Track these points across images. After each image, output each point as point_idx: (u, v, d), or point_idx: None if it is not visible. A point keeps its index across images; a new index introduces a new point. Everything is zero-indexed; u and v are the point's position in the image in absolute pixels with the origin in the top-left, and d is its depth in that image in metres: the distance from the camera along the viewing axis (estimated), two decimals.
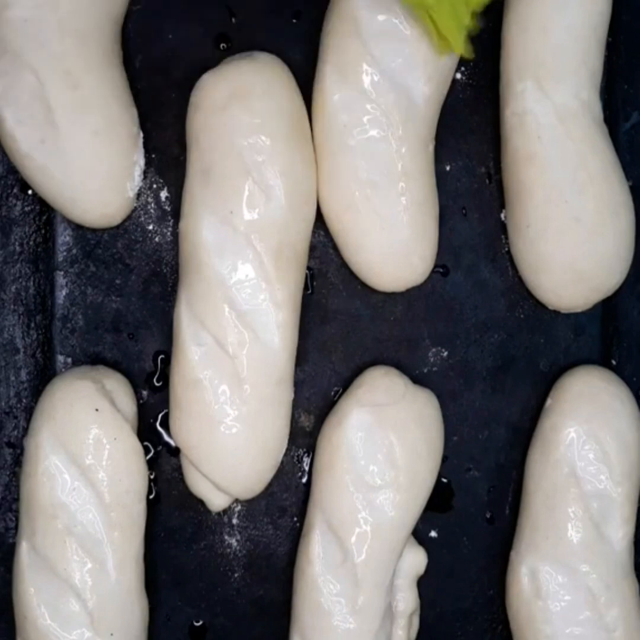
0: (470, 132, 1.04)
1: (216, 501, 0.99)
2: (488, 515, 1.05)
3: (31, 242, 1.02)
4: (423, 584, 1.03)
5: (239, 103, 0.95)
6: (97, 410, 0.95)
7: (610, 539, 1.00)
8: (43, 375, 1.02)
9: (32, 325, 1.02)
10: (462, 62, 1.02)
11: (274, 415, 0.97)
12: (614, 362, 1.06)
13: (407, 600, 1.01)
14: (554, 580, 1.00)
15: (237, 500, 1.02)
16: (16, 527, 0.99)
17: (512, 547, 1.03)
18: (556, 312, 1.05)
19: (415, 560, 1.01)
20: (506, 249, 1.04)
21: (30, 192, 1.01)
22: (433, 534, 1.05)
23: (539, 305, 1.04)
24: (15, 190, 1.02)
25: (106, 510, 0.95)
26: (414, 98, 0.97)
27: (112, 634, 0.95)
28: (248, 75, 0.96)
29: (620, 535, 1.00)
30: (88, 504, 0.94)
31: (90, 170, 0.95)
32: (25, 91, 0.94)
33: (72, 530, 0.94)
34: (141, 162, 0.99)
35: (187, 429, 0.96)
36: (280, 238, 0.95)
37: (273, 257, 0.95)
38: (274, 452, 0.98)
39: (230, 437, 0.95)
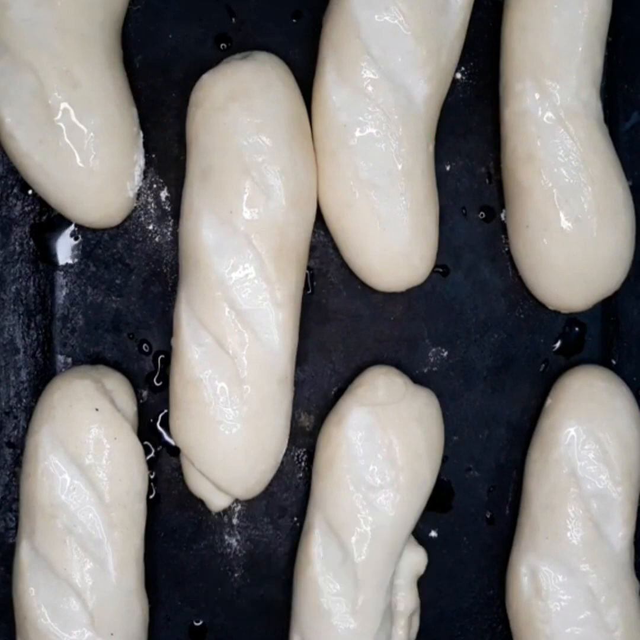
0: (470, 132, 1.04)
1: (216, 501, 0.99)
2: (488, 515, 1.05)
3: (31, 242, 1.02)
4: (423, 583, 1.03)
5: (239, 103, 0.95)
6: (97, 409, 0.95)
7: (610, 538, 1.00)
8: (43, 375, 1.02)
9: (32, 325, 1.02)
10: (462, 61, 1.02)
11: (275, 415, 0.97)
12: (613, 362, 1.06)
13: (407, 600, 1.01)
14: (554, 580, 0.99)
15: (237, 500, 1.02)
16: (16, 527, 0.99)
17: (512, 546, 1.03)
18: (556, 312, 1.04)
19: (416, 560, 1.01)
20: (506, 249, 1.04)
21: (30, 192, 1.01)
22: (433, 533, 1.05)
23: (539, 305, 1.04)
24: (15, 190, 1.01)
25: (106, 510, 0.94)
26: (414, 98, 0.97)
27: (112, 634, 0.95)
28: (248, 75, 0.96)
29: (620, 535, 1.00)
30: (88, 503, 0.94)
31: (90, 170, 0.95)
32: (25, 91, 0.94)
33: (72, 530, 0.94)
34: (141, 162, 0.99)
35: (186, 429, 0.96)
36: (280, 238, 0.95)
37: (273, 257, 0.95)
38: (274, 452, 0.98)
39: (231, 437, 0.95)
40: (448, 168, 1.04)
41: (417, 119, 0.98)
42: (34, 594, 0.94)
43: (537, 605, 1.00)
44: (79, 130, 0.94)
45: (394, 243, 0.98)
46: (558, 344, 1.06)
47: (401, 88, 0.97)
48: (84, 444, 0.94)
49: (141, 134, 0.99)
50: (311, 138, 0.99)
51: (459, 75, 1.04)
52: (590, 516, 0.99)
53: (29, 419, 1.00)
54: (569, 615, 0.99)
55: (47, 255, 1.02)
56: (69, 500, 0.94)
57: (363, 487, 0.97)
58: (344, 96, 0.97)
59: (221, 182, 0.95)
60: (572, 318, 1.05)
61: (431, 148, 1.00)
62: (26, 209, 1.02)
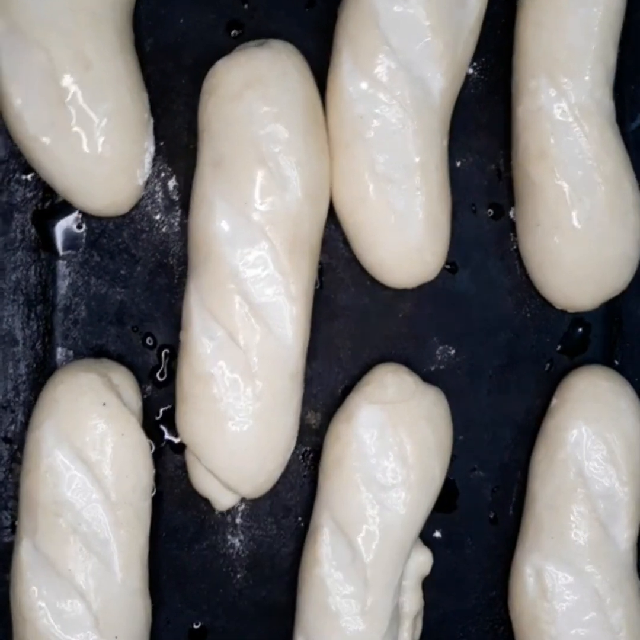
0: (481, 128, 1.03)
1: (222, 500, 0.96)
2: (492, 516, 1.04)
3: (32, 230, 0.98)
4: (426, 584, 1.01)
5: (255, 91, 0.92)
6: (104, 404, 0.91)
7: (616, 539, 0.99)
8: (43, 368, 0.98)
9: (33, 315, 0.98)
10: (475, 56, 1.01)
11: (285, 411, 0.94)
12: (617, 362, 1.06)
13: (412, 602, 1.00)
14: (560, 581, 0.99)
15: (241, 499, 0.99)
16: (11, 526, 0.96)
17: (516, 547, 1.02)
18: (563, 312, 1.04)
19: (421, 560, 1.00)
20: (514, 247, 1.04)
21: (31, 177, 0.97)
22: (437, 534, 1.03)
23: (545, 304, 1.04)
24: (17, 175, 0.98)
25: (113, 508, 0.91)
26: (431, 90, 0.96)
27: (116, 637, 0.91)
28: (264, 63, 0.93)
29: (626, 536, 0.99)
30: (94, 501, 0.90)
31: (100, 156, 0.92)
32: (35, 70, 0.90)
33: (77, 528, 0.90)
34: (151, 149, 0.96)
35: (194, 425, 0.93)
36: (295, 230, 0.93)
37: (288, 250, 0.93)
38: (284, 450, 0.96)
39: (241, 434, 0.92)
40: (458, 164, 1.03)
41: (433, 112, 0.96)
42: (36, 594, 0.90)
43: (543, 605, 0.99)
44: (90, 114, 0.91)
45: (408, 238, 0.97)
46: (564, 344, 1.05)
47: (418, 80, 0.95)
48: (90, 440, 0.91)
49: (152, 120, 0.96)
50: (325, 129, 0.97)
51: (470, 71, 1.03)
52: (596, 516, 0.98)
53: (27, 413, 0.97)
54: (574, 616, 0.99)
55: (49, 243, 0.98)
56: (74, 498, 0.90)
57: (374, 485, 0.95)
58: (360, 87, 0.95)
59: (235, 171, 0.92)
60: (577, 318, 1.05)
61: (445, 143, 0.99)
62: (28, 194, 0.98)
